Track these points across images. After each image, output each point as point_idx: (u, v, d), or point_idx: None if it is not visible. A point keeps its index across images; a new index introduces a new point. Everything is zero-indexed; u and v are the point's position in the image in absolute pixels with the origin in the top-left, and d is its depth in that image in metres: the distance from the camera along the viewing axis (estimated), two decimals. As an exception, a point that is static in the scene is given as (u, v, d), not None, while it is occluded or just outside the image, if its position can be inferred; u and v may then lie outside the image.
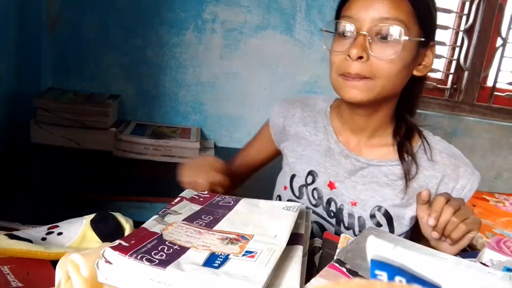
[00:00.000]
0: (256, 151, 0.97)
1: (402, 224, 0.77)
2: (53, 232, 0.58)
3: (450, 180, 0.77)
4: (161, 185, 1.13)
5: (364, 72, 0.67)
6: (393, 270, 0.29)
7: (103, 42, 1.47)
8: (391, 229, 0.77)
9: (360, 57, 0.66)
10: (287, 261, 0.47)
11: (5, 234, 0.53)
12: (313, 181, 0.82)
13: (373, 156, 0.79)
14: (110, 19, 1.45)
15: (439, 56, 1.73)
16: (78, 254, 0.43)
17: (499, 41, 1.74)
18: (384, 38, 0.66)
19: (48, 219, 0.62)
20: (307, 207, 0.64)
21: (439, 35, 1.70)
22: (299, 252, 0.49)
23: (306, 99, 0.90)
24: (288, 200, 0.84)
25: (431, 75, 1.79)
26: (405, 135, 0.78)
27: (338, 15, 0.72)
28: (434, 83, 1.78)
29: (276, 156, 0.96)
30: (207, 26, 1.51)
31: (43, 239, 0.56)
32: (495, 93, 1.79)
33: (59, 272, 0.44)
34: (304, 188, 0.83)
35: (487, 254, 0.64)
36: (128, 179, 1.17)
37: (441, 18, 1.69)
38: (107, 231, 0.59)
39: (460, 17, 1.73)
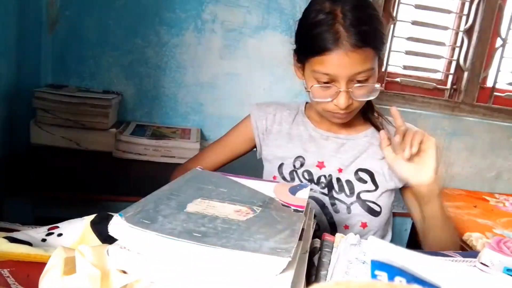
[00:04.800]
0: (230, 150, 1.01)
1: (385, 179, 0.88)
2: (53, 233, 0.58)
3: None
4: (161, 185, 1.12)
5: (349, 110, 0.81)
6: (393, 271, 0.29)
7: (103, 42, 1.47)
8: (375, 185, 0.87)
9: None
10: None
11: (5, 237, 0.53)
12: (301, 165, 0.90)
13: (350, 132, 0.92)
14: (110, 19, 1.45)
15: (439, 57, 1.73)
16: (85, 245, 0.44)
17: (498, 42, 1.74)
18: (359, 82, 0.78)
19: (48, 219, 0.62)
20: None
21: (439, 35, 1.70)
22: (297, 248, 0.49)
23: (278, 102, 1.00)
24: None
25: (431, 75, 1.79)
26: (371, 112, 0.93)
27: (304, 59, 0.81)
28: (434, 84, 1.78)
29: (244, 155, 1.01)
30: (207, 26, 1.51)
31: (43, 240, 0.56)
32: (495, 93, 1.79)
33: (54, 260, 0.44)
34: (294, 172, 0.90)
35: (487, 254, 0.64)
36: (128, 179, 1.17)
37: (441, 19, 1.69)
38: (107, 232, 0.59)
39: (460, 18, 1.73)
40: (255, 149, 0.99)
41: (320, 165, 0.90)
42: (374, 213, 0.86)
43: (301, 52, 0.83)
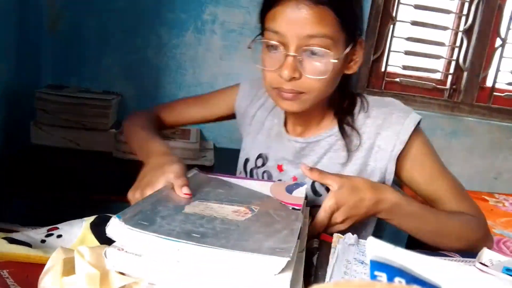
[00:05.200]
0: (210, 108, 0.96)
1: None
2: (52, 234, 0.58)
3: (383, 129, 0.76)
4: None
5: (297, 88, 0.69)
6: (393, 271, 0.29)
7: (103, 42, 1.47)
8: None
9: (293, 78, 0.67)
10: None
11: (4, 238, 0.53)
12: (263, 164, 0.86)
13: (312, 133, 0.81)
14: (110, 20, 1.45)
15: (439, 57, 1.73)
16: (84, 246, 0.44)
17: (498, 42, 1.74)
18: (313, 54, 0.67)
19: (48, 220, 0.62)
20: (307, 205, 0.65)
21: (438, 35, 1.70)
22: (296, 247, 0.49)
23: None
24: None
25: (431, 75, 1.79)
26: (346, 109, 0.78)
27: (263, 20, 0.72)
28: (434, 84, 1.78)
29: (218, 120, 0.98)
30: (207, 27, 1.51)
31: (43, 241, 0.56)
32: (495, 93, 1.79)
33: (53, 261, 0.44)
34: (255, 170, 0.87)
35: (487, 254, 0.64)
36: (128, 180, 1.16)
37: (441, 19, 1.69)
38: (106, 234, 0.59)
39: (459, 18, 1.73)
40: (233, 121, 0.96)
41: (280, 168, 0.83)
42: None
43: (260, 14, 0.73)
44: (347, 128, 0.77)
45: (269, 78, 0.71)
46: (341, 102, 0.79)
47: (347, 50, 0.69)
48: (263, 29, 0.72)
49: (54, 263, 0.44)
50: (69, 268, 0.44)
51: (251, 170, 0.87)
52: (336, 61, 0.67)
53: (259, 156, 0.86)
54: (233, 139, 1.59)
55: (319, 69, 0.67)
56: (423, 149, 0.78)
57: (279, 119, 0.86)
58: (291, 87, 0.68)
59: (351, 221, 0.65)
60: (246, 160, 0.89)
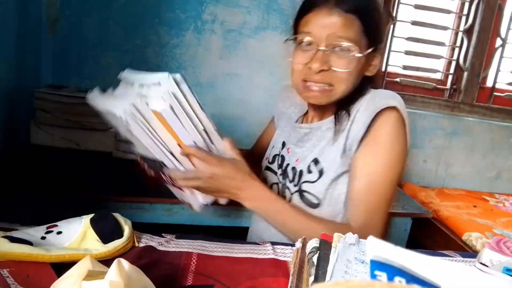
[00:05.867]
0: (265, 137, 1.09)
1: (333, 168, 0.80)
2: (52, 231, 0.58)
3: (359, 112, 0.78)
4: (161, 186, 1.13)
5: (325, 80, 0.77)
6: (393, 271, 0.29)
7: (103, 42, 1.47)
8: (320, 174, 0.81)
9: (321, 70, 0.76)
10: None
11: (5, 236, 0.53)
12: (282, 148, 0.94)
13: (317, 120, 0.88)
14: (110, 19, 1.45)
15: (439, 57, 1.73)
16: (125, 261, 0.43)
17: (498, 42, 1.74)
18: (340, 50, 0.76)
19: (48, 219, 0.62)
20: None
21: (438, 35, 1.71)
22: None
23: None
24: (266, 169, 0.95)
25: (431, 75, 1.79)
26: (349, 98, 0.82)
27: (296, 29, 0.82)
28: (434, 84, 1.78)
29: None
30: (207, 26, 1.51)
31: (43, 238, 0.56)
32: (495, 93, 1.79)
33: (78, 270, 0.42)
34: (277, 156, 0.94)
35: (487, 254, 0.64)
36: (128, 179, 1.17)
37: (441, 19, 1.69)
38: (106, 230, 0.59)
39: (460, 18, 1.73)
40: None
41: (288, 151, 0.92)
42: (312, 205, 0.81)
43: (295, 22, 0.83)
44: (342, 113, 0.82)
45: (299, 71, 0.79)
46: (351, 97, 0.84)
47: (369, 51, 0.77)
48: (295, 32, 0.82)
49: (77, 270, 0.42)
50: (89, 279, 0.42)
51: (274, 156, 0.95)
52: (360, 55, 0.76)
53: (283, 144, 0.95)
54: (233, 139, 1.59)
55: (344, 62, 0.76)
56: (378, 139, 0.76)
57: (299, 108, 0.96)
58: (320, 78, 0.76)
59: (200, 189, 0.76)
60: (272, 147, 0.98)
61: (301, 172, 0.85)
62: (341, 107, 0.82)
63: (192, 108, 0.70)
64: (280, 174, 0.90)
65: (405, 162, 0.78)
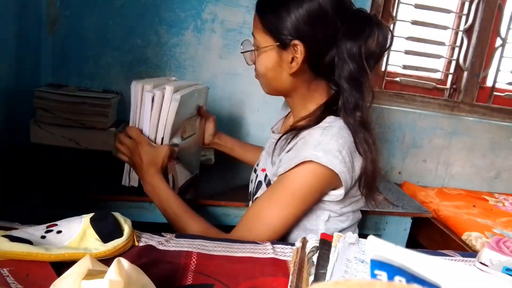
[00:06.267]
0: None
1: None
2: (52, 230, 0.58)
3: (293, 147, 0.79)
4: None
5: (256, 74, 0.89)
6: (393, 270, 0.29)
7: (102, 41, 1.47)
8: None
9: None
10: None
11: (5, 236, 0.53)
12: (258, 164, 0.99)
13: (282, 131, 0.92)
14: (110, 19, 1.45)
15: (439, 56, 1.73)
16: (125, 260, 0.43)
17: (498, 41, 1.74)
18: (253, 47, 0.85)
19: (48, 219, 0.62)
20: None
21: (438, 35, 1.70)
22: None
23: None
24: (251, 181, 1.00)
25: (431, 75, 1.79)
26: (306, 123, 0.83)
27: None
28: (434, 83, 1.78)
29: None
30: (207, 26, 1.51)
31: (43, 237, 0.56)
32: (495, 93, 1.79)
33: (77, 269, 0.42)
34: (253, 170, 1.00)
35: (487, 254, 0.64)
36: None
37: (441, 18, 1.69)
38: (106, 229, 0.59)
39: (460, 17, 1.73)
40: None
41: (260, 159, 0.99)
42: None
43: None
44: (290, 135, 0.83)
45: None
46: (314, 116, 0.84)
47: (268, 47, 0.82)
48: None
49: (77, 269, 0.42)
50: (90, 278, 0.42)
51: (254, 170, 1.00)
52: (251, 49, 0.86)
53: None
54: (233, 139, 1.59)
55: (251, 58, 0.88)
56: (288, 184, 0.77)
57: (275, 117, 1.03)
58: (256, 73, 0.88)
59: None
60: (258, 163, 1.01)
61: (259, 182, 0.91)
62: (293, 127, 0.84)
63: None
64: (251, 181, 0.98)
65: (313, 204, 0.79)
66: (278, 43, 0.80)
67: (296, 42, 0.78)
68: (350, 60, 0.76)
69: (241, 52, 0.89)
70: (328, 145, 0.74)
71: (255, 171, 0.97)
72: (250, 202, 0.95)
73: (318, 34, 0.78)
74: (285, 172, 0.77)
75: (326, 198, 0.80)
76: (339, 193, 0.78)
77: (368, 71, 0.78)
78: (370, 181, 0.80)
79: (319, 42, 0.79)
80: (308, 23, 0.77)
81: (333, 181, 0.77)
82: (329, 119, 0.79)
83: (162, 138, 0.93)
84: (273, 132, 0.99)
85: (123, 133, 0.94)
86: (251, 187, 0.97)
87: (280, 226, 0.77)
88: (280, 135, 0.86)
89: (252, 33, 0.84)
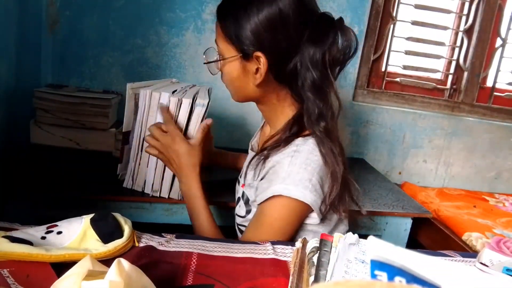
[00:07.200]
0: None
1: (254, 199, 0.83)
2: (52, 231, 0.58)
3: (267, 174, 0.78)
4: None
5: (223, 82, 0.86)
6: (393, 271, 0.29)
7: (103, 41, 1.47)
8: (248, 208, 0.86)
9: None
10: None
11: (5, 236, 0.53)
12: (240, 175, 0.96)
13: (258, 149, 0.89)
14: (110, 19, 1.45)
15: (439, 57, 1.73)
16: (125, 260, 0.43)
17: (498, 42, 1.74)
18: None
19: (48, 219, 0.62)
20: None
21: (438, 35, 1.70)
22: None
23: None
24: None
25: (431, 75, 1.79)
26: (281, 133, 0.82)
27: None
28: (434, 84, 1.78)
29: None
30: (207, 26, 1.51)
31: (43, 238, 0.56)
32: (495, 93, 1.79)
33: (78, 269, 0.42)
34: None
35: (487, 254, 0.64)
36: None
37: (441, 19, 1.69)
38: (106, 230, 0.59)
39: (460, 18, 1.73)
40: None
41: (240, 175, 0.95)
42: (242, 232, 0.86)
43: None
44: (261, 156, 0.81)
45: None
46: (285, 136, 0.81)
47: (231, 58, 0.79)
48: None
49: (78, 270, 0.42)
50: (90, 278, 0.42)
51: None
52: (217, 61, 0.82)
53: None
54: (233, 139, 1.59)
55: (217, 66, 0.83)
56: (263, 218, 0.77)
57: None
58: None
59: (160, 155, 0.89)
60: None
61: (239, 198, 0.89)
62: (263, 148, 0.82)
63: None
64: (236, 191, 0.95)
65: (294, 230, 0.78)
66: (241, 54, 0.77)
67: (259, 54, 0.75)
68: (313, 68, 0.73)
69: (204, 63, 0.85)
70: (298, 175, 0.73)
71: (239, 182, 0.94)
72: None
73: (281, 41, 0.74)
74: (262, 203, 0.77)
75: (306, 221, 0.79)
76: (316, 217, 0.78)
77: (333, 80, 0.75)
78: (340, 197, 0.78)
79: (282, 49, 0.75)
80: (269, 30, 0.73)
81: (307, 210, 0.76)
82: (298, 141, 0.77)
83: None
84: (251, 149, 0.95)
85: (154, 126, 0.89)
86: (236, 196, 0.95)
87: None
88: (254, 154, 0.85)
89: (215, 41, 0.81)
